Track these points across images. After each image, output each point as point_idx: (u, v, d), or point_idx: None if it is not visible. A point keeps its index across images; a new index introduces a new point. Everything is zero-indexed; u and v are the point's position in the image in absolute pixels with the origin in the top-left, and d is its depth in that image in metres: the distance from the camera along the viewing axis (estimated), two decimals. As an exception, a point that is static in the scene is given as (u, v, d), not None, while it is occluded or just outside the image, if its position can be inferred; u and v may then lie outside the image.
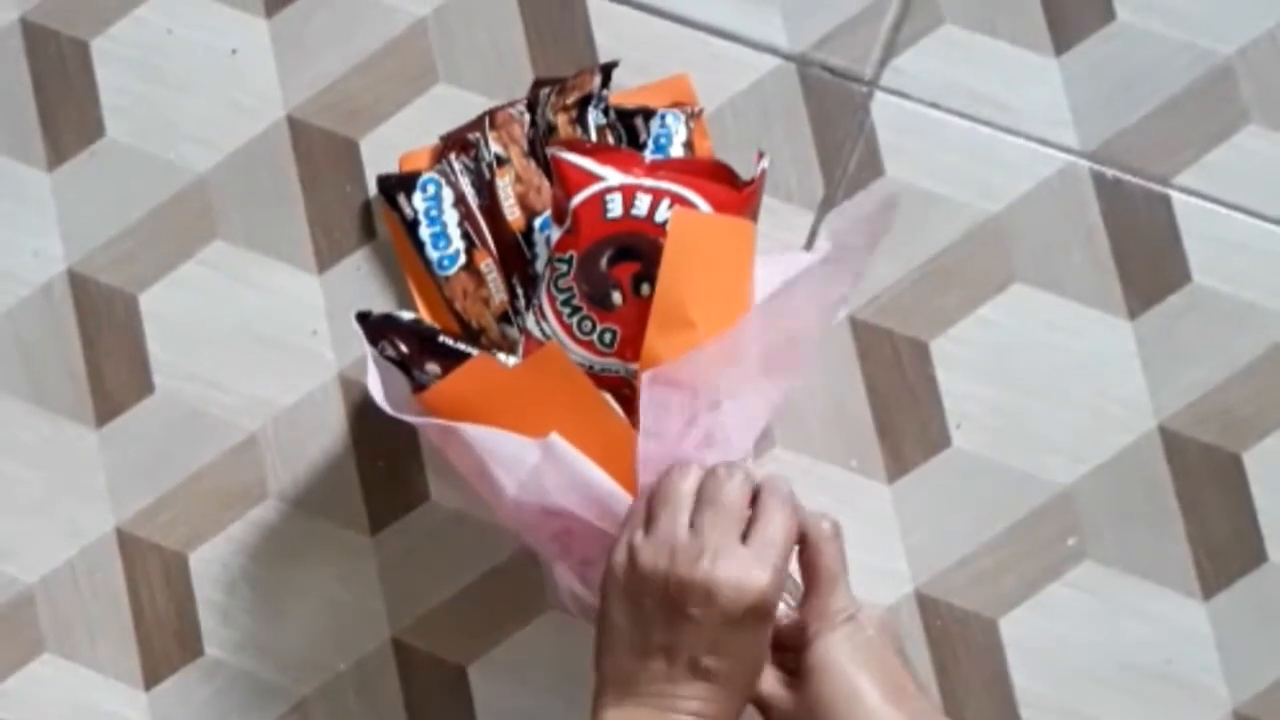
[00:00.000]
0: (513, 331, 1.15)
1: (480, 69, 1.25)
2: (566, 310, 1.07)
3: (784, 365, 1.06)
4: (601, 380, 1.06)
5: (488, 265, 1.17)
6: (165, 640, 1.23)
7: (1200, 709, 1.17)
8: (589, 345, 1.07)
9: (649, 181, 1.08)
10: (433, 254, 1.18)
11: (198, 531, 1.24)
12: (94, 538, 1.24)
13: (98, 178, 1.27)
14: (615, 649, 0.97)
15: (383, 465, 1.23)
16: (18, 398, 1.25)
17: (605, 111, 1.19)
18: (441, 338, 1.08)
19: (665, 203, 1.06)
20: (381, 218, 1.23)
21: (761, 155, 1.11)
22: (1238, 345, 1.19)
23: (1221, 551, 1.18)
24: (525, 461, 1.02)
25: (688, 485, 0.99)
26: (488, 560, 1.21)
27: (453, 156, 1.19)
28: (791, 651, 1.00)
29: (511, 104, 1.21)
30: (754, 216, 1.10)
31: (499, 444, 1.02)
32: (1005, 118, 1.22)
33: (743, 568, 0.94)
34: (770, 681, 1.00)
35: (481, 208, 1.18)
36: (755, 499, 1.00)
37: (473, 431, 1.02)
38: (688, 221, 1.05)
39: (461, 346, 1.08)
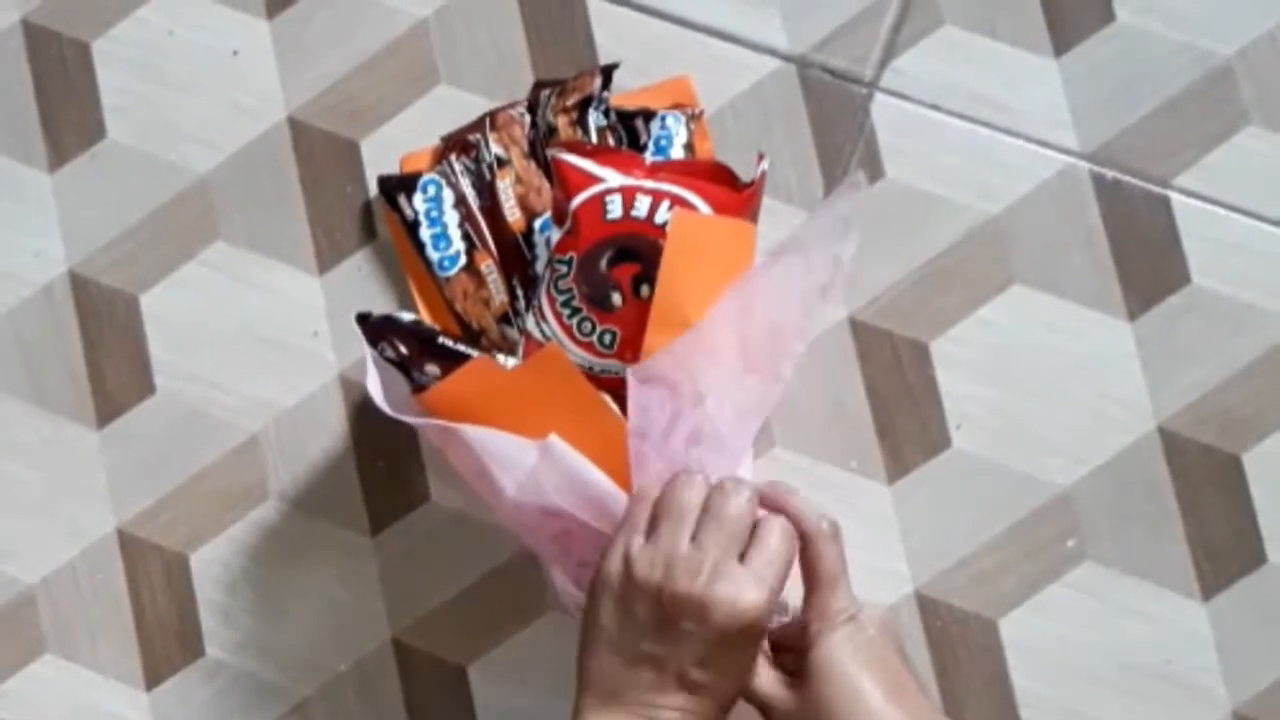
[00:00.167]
0: (513, 332, 1.15)
1: (481, 70, 1.25)
2: (566, 311, 1.07)
3: (770, 359, 1.06)
4: (601, 381, 1.06)
5: (488, 266, 1.17)
6: (166, 641, 1.23)
7: (1200, 709, 1.17)
8: (589, 346, 1.07)
9: (649, 183, 1.08)
10: (433, 255, 1.18)
11: (198, 532, 1.24)
12: (95, 538, 1.24)
13: (99, 179, 1.27)
14: (601, 651, 0.97)
15: (383, 466, 1.23)
16: (19, 398, 1.25)
17: (606, 113, 1.19)
18: (441, 339, 1.08)
19: (665, 204, 1.07)
20: (382, 219, 1.23)
21: (761, 157, 1.11)
22: (1237, 346, 1.19)
23: (1221, 552, 1.18)
24: (524, 462, 1.03)
25: (692, 497, 0.99)
26: (488, 561, 1.21)
27: (453, 157, 1.19)
28: (792, 653, 1.00)
29: (512, 105, 1.21)
30: (754, 218, 1.10)
31: (498, 445, 1.03)
32: (1005, 119, 1.22)
33: (740, 588, 0.94)
34: (771, 682, 1.00)
35: (482, 209, 1.18)
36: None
37: (472, 432, 1.02)
38: (687, 223, 1.06)
39: (461, 348, 1.08)
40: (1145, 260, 1.20)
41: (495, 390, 1.04)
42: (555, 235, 1.09)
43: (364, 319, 1.10)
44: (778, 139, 1.23)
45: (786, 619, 1.05)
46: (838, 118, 1.23)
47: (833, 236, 1.10)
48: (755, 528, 0.99)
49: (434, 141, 1.22)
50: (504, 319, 1.16)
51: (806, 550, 1.01)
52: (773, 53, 1.24)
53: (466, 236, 1.18)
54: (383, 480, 1.23)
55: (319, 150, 1.25)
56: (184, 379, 1.25)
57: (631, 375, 1.01)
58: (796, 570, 1.01)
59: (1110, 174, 1.21)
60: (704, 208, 1.07)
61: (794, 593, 1.03)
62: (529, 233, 1.16)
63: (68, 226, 1.26)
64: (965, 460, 1.20)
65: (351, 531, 1.22)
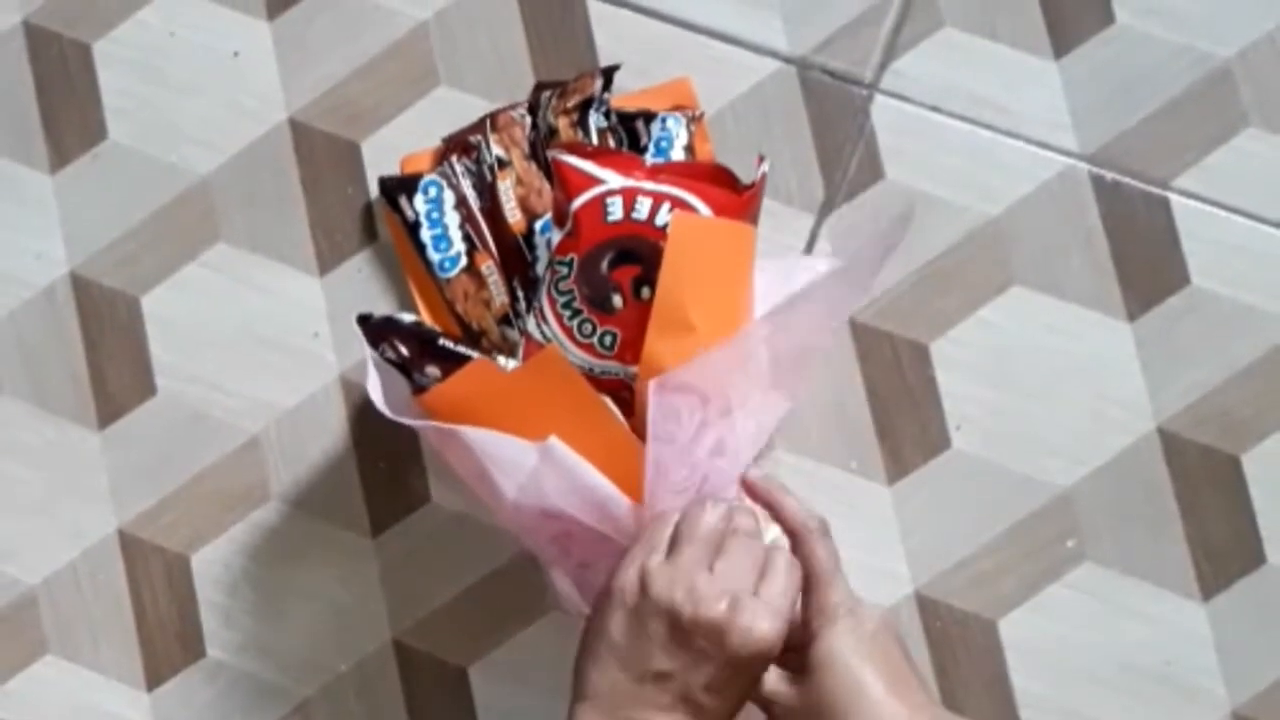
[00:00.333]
0: (513, 334, 1.15)
1: (482, 72, 1.25)
2: (567, 313, 1.07)
3: (794, 377, 1.07)
4: (601, 383, 1.06)
5: (489, 267, 1.17)
6: (167, 642, 1.24)
7: (1199, 710, 1.17)
8: (589, 348, 1.07)
9: (650, 185, 1.08)
10: (434, 256, 1.18)
11: (199, 533, 1.24)
12: (96, 539, 1.24)
13: (100, 180, 1.27)
14: (608, 665, 0.97)
15: (384, 467, 1.23)
16: (20, 399, 1.26)
17: (606, 114, 1.19)
18: (442, 340, 1.08)
19: (666, 206, 1.07)
20: (383, 220, 1.23)
21: (762, 159, 1.11)
22: (1237, 347, 1.19)
23: (1220, 553, 1.18)
24: (524, 464, 1.03)
25: (717, 524, 0.99)
26: (489, 562, 1.22)
27: (454, 159, 1.20)
28: (794, 650, 1.01)
29: (513, 107, 1.21)
30: (754, 220, 1.10)
31: (498, 447, 1.03)
32: (1005, 121, 1.22)
33: (756, 616, 0.94)
34: (774, 679, 1.00)
35: (483, 210, 1.18)
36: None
37: (472, 434, 1.02)
38: (688, 225, 1.06)
39: (462, 349, 1.08)
40: (1145, 262, 1.20)
41: (495, 392, 1.04)
42: (556, 237, 1.09)
43: (365, 320, 1.10)
44: (778, 141, 1.23)
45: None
46: (838, 119, 1.23)
47: (876, 266, 1.11)
48: (765, 559, 0.99)
49: (434, 143, 1.22)
50: (504, 320, 1.16)
51: (799, 549, 1.02)
52: (773, 54, 1.24)
53: (467, 238, 1.18)
54: (384, 481, 1.23)
55: (320, 152, 1.26)
56: (185, 380, 1.25)
57: (652, 385, 1.00)
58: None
59: (1110, 175, 1.21)
60: (705, 210, 1.07)
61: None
62: (529, 234, 1.16)
63: (69, 228, 1.27)
64: (965, 461, 1.20)
65: (352, 533, 1.23)
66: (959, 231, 1.21)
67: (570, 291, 1.07)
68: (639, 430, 1.04)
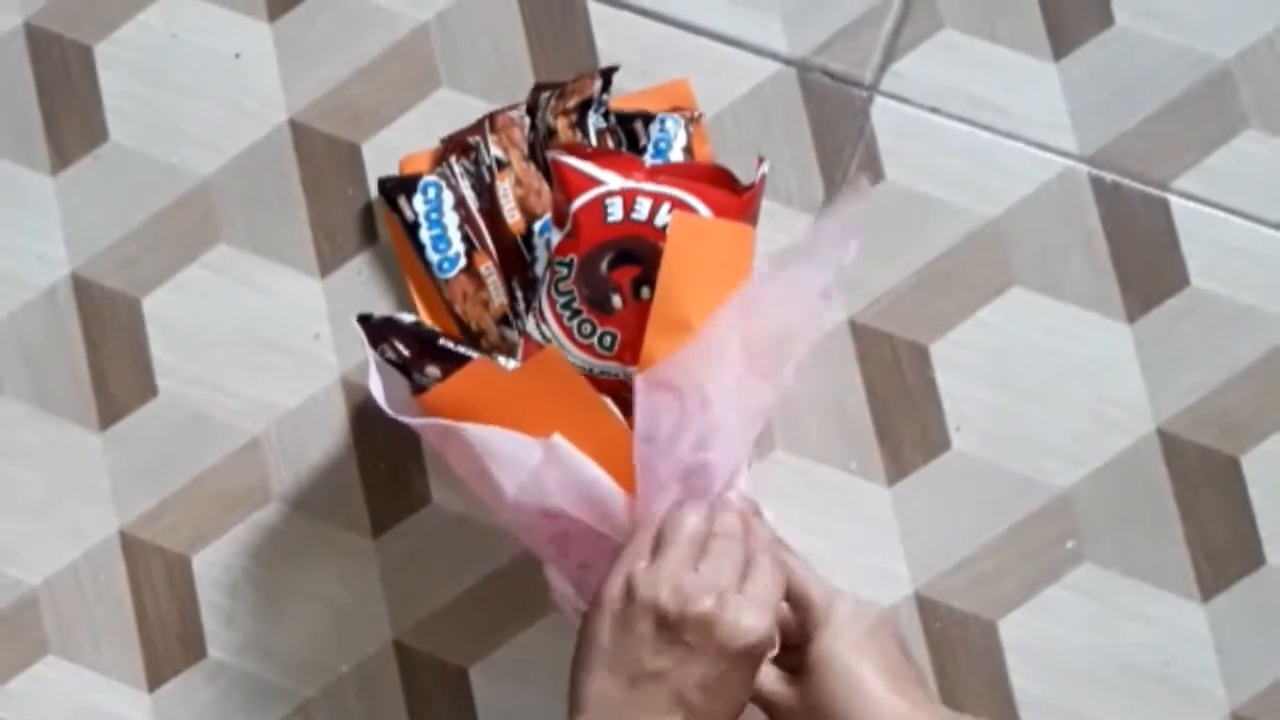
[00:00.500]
0: (512, 334, 1.15)
1: (482, 73, 1.26)
2: (567, 313, 1.07)
3: (774, 362, 1.06)
4: (601, 383, 1.06)
5: (488, 268, 1.17)
6: (168, 642, 1.24)
7: (1199, 711, 1.17)
8: (589, 348, 1.07)
9: (649, 186, 1.08)
10: (433, 256, 1.18)
11: (200, 534, 1.24)
12: (97, 540, 1.24)
13: (101, 182, 1.27)
14: (599, 673, 0.96)
15: (384, 468, 1.23)
16: (21, 400, 1.26)
17: (605, 116, 1.19)
18: (442, 340, 1.08)
19: (665, 207, 1.07)
20: (383, 221, 1.23)
21: (761, 160, 1.11)
22: (1236, 349, 1.19)
23: (1220, 554, 1.18)
24: (526, 462, 1.03)
25: (699, 524, 0.99)
26: (489, 563, 1.22)
27: (453, 159, 1.20)
28: (792, 650, 1.01)
29: (512, 107, 1.21)
30: (753, 221, 1.10)
31: (501, 444, 1.03)
32: (1005, 122, 1.22)
33: (742, 610, 0.94)
34: (774, 680, 1.00)
35: (482, 211, 1.18)
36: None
37: (474, 431, 1.02)
38: (687, 226, 1.06)
39: (462, 349, 1.08)
40: (1144, 263, 1.20)
41: (495, 392, 1.04)
42: (555, 237, 1.09)
43: (365, 320, 1.10)
44: (778, 142, 1.23)
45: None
46: (838, 121, 1.24)
47: (836, 240, 1.10)
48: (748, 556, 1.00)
49: (435, 145, 1.22)
50: (503, 321, 1.16)
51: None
52: (773, 56, 1.24)
53: (466, 238, 1.18)
54: (384, 482, 1.23)
55: (320, 153, 1.26)
56: (186, 381, 1.25)
57: (640, 381, 1.01)
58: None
59: (1109, 177, 1.21)
60: (704, 210, 1.07)
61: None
62: (528, 235, 1.17)
63: (70, 229, 1.27)
64: (965, 462, 1.20)
65: (353, 533, 1.23)
66: (959, 233, 1.21)
67: (570, 292, 1.07)
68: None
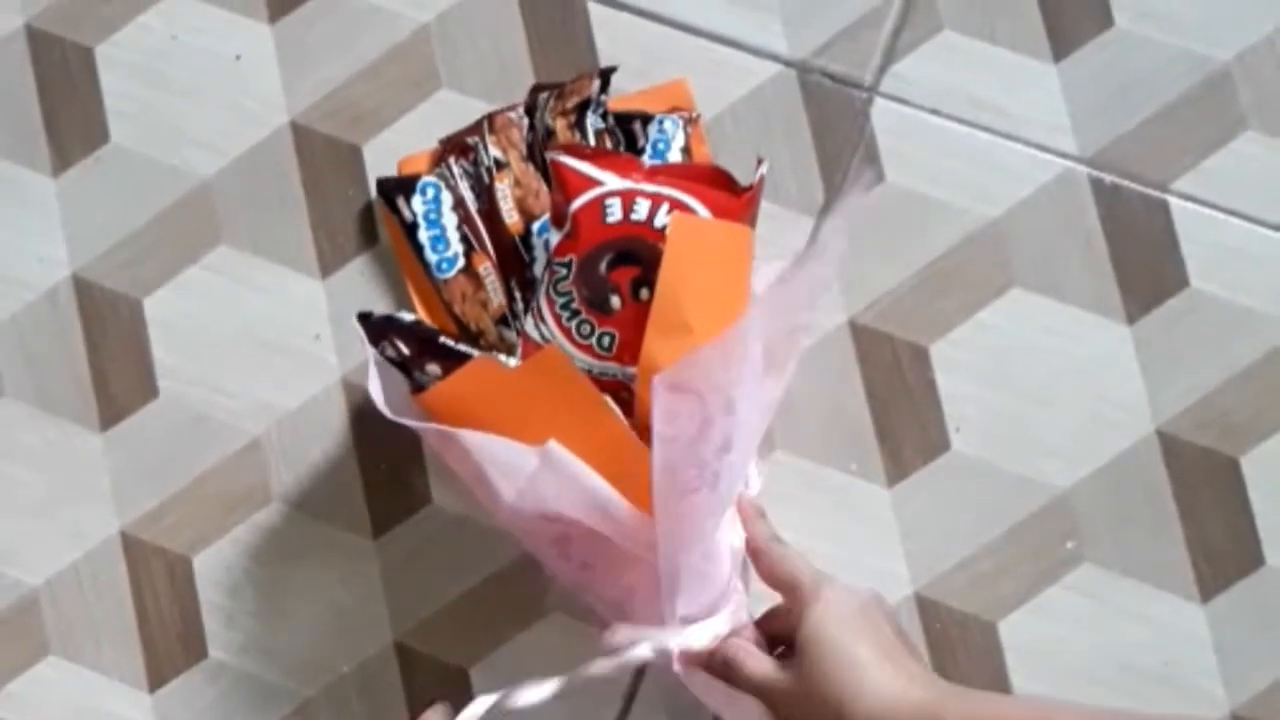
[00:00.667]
0: (511, 334, 1.15)
1: (483, 75, 1.26)
2: (565, 314, 1.08)
3: (783, 358, 1.07)
4: (600, 384, 1.06)
5: (486, 268, 1.17)
6: (169, 643, 1.24)
7: (1198, 711, 1.17)
8: (588, 349, 1.07)
9: (648, 186, 1.08)
10: (431, 257, 1.19)
11: (201, 535, 1.24)
12: (98, 541, 1.24)
13: (102, 183, 1.27)
14: None
15: (385, 469, 1.23)
16: (22, 401, 1.26)
17: (604, 116, 1.19)
18: (442, 339, 1.09)
19: (664, 208, 1.07)
20: (383, 222, 1.23)
21: (760, 161, 1.11)
22: (1235, 350, 1.19)
23: (1219, 555, 1.18)
24: (523, 468, 1.02)
25: None
26: (490, 563, 1.22)
27: (452, 160, 1.20)
28: (782, 639, 1.02)
29: (510, 108, 1.22)
30: (752, 222, 1.10)
31: (497, 451, 1.03)
32: (1004, 123, 1.22)
33: None
34: (767, 667, 1.01)
35: (480, 211, 1.19)
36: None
37: (470, 438, 1.02)
38: (686, 227, 1.06)
39: (462, 348, 1.08)
40: (1144, 264, 1.20)
41: (496, 390, 1.04)
42: (554, 238, 1.09)
43: (365, 318, 1.10)
44: (778, 143, 1.23)
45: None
46: (838, 122, 1.24)
47: (841, 232, 1.11)
48: None
49: (435, 146, 1.23)
50: (502, 321, 1.17)
51: (759, 563, 1.07)
52: (773, 57, 1.25)
53: (465, 239, 1.18)
54: (385, 483, 1.23)
55: (321, 154, 1.26)
56: (187, 382, 1.25)
57: (658, 383, 1.00)
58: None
59: (1109, 178, 1.21)
60: (703, 211, 1.07)
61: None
62: (527, 235, 1.17)
63: (71, 230, 1.27)
64: (964, 463, 1.20)
65: (354, 534, 1.23)
66: (958, 234, 1.21)
67: (569, 293, 1.08)
68: (639, 431, 1.04)
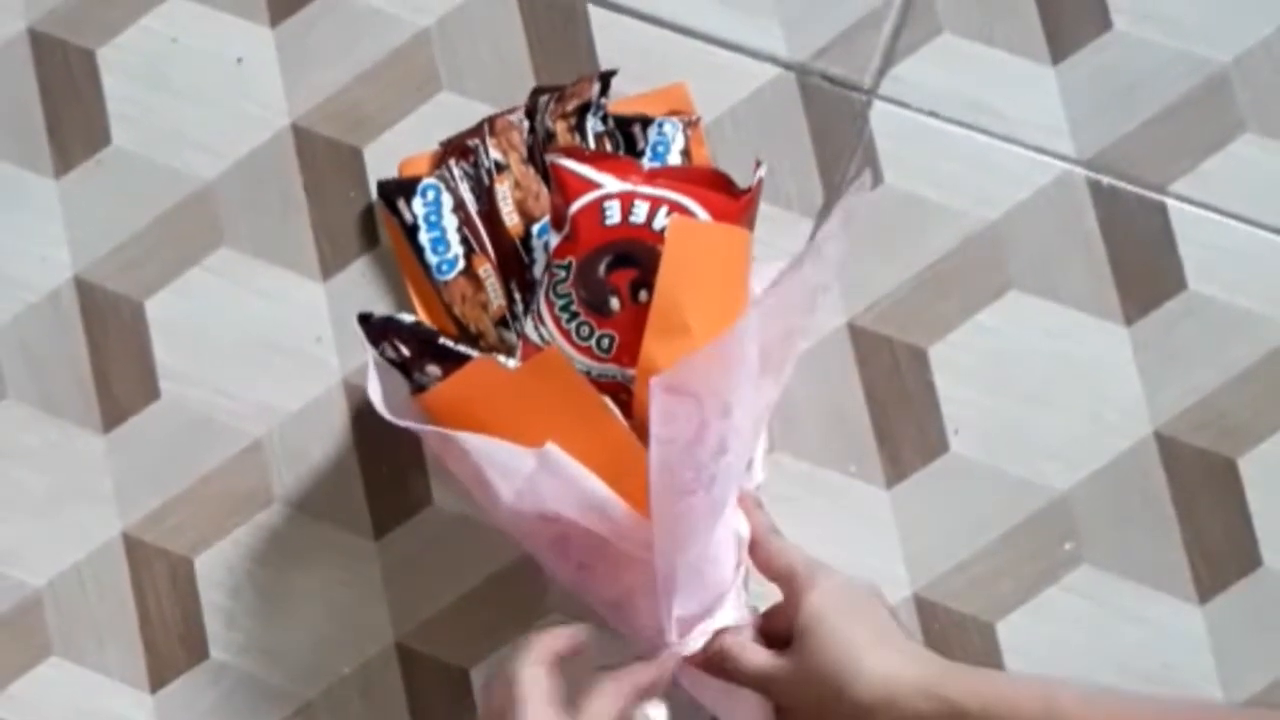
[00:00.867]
0: (511, 336, 1.16)
1: (483, 77, 1.26)
2: (565, 316, 1.08)
3: (781, 360, 1.07)
4: (599, 386, 1.06)
5: (486, 270, 1.18)
6: (171, 644, 1.24)
7: (1196, 712, 1.17)
8: (587, 350, 1.07)
9: (647, 189, 1.08)
10: (432, 259, 1.19)
11: (203, 536, 1.24)
12: (100, 542, 1.25)
13: (104, 185, 1.27)
14: None
15: (386, 470, 1.23)
16: (25, 403, 1.26)
17: (603, 119, 1.20)
18: (442, 340, 1.09)
19: (663, 210, 1.07)
20: (384, 224, 1.24)
21: (759, 163, 1.11)
22: (1233, 351, 1.20)
23: (1217, 556, 1.18)
24: (521, 470, 1.02)
25: None
26: (491, 564, 1.22)
27: (452, 162, 1.20)
28: (779, 635, 1.02)
29: (511, 111, 1.22)
30: (751, 224, 1.10)
31: (495, 452, 1.03)
32: (1003, 126, 1.23)
33: None
34: (764, 658, 1.01)
35: (480, 213, 1.19)
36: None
37: (469, 440, 1.02)
38: (685, 229, 1.06)
39: (462, 349, 1.09)
40: (1142, 266, 1.21)
41: (496, 391, 1.05)
42: (554, 240, 1.10)
43: (365, 319, 1.10)
44: (777, 146, 1.23)
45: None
46: (837, 125, 1.24)
47: (839, 236, 1.11)
48: None
49: (435, 148, 1.23)
50: (502, 322, 1.17)
51: (756, 554, 1.07)
52: (772, 60, 1.25)
53: (465, 241, 1.19)
54: (386, 484, 1.23)
55: (322, 157, 1.26)
56: (189, 384, 1.25)
57: (655, 385, 1.00)
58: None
59: (1107, 180, 1.21)
60: (702, 214, 1.07)
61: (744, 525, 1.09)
62: (527, 237, 1.17)
63: (73, 233, 1.27)
64: (963, 464, 1.20)
65: (355, 535, 1.23)
66: (957, 236, 1.22)
67: (568, 294, 1.08)
68: (638, 432, 1.04)
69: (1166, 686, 1.17)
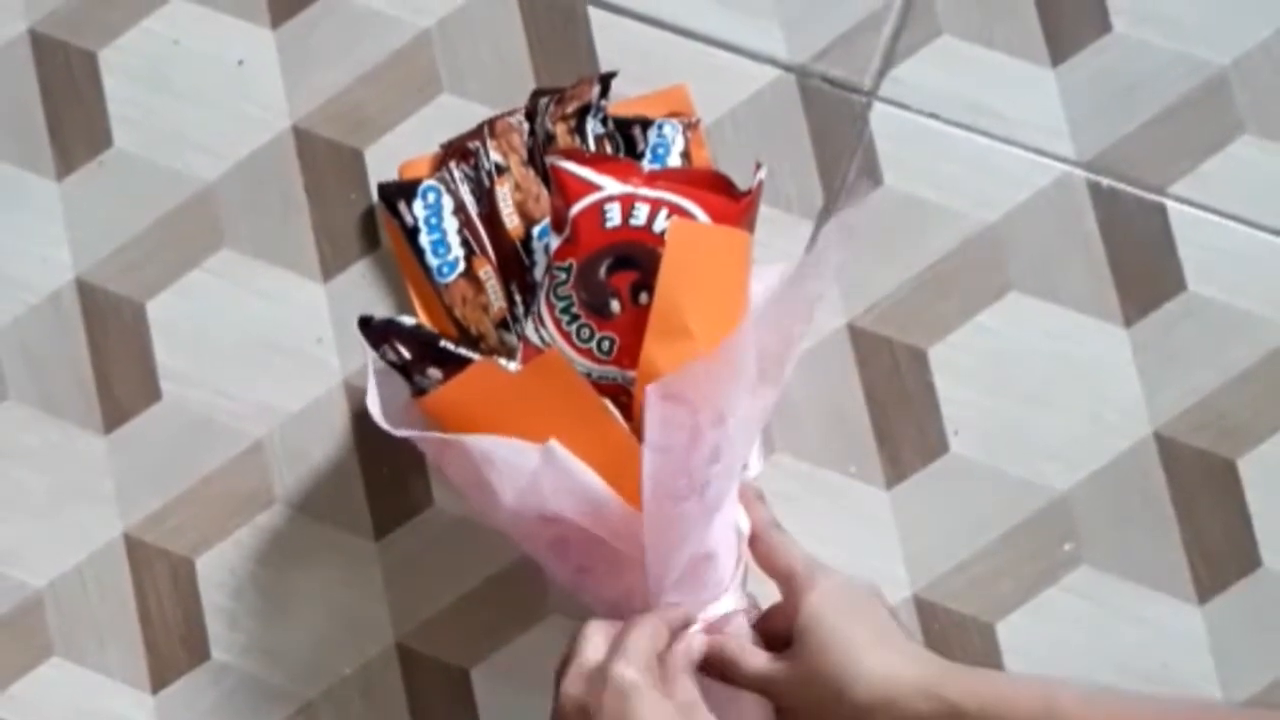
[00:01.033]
0: (511, 338, 1.16)
1: (484, 80, 1.26)
2: (565, 318, 1.08)
3: (778, 366, 1.07)
4: (599, 388, 1.06)
5: (486, 272, 1.18)
6: (172, 644, 1.24)
7: (1196, 712, 1.17)
8: (587, 353, 1.07)
9: (647, 191, 1.08)
10: (432, 261, 1.19)
11: (204, 537, 1.24)
12: (102, 543, 1.25)
13: (105, 187, 1.27)
14: None
15: (387, 471, 1.23)
16: (26, 404, 1.26)
17: (604, 121, 1.20)
18: (443, 343, 1.09)
19: (663, 212, 1.07)
20: (384, 225, 1.24)
21: (759, 165, 1.11)
22: (1232, 352, 1.20)
23: (1216, 556, 1.18)
24: (524, 467, 1.03)
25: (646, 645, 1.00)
26: (491, 565, 1.22)
27: (453, 164, 1.20)
28: (783, 642, 1.02)
29: (511, 113, 1.22)
30: (751, 227, 1.10)
31: (497, 451, 1.03)
32: (1002, 128, 1.23)
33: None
34: (765, 661, 1.01)
35: (481, 215, 1.19)
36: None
37: (472, 440, 1.03)
38: (685, 231, 1.06)
39: (463, 351, 1.09)
40: (1141, 267, 1.21)
41: (497, 394, 1.05)
42: (554, 242, 1.10)
43: (366, 322, 1.10)
44: (777, 148, 1.23)
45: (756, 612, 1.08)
46: (837, 126, 1.24)
47: (838, 245, 1.11)
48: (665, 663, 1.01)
49: (436, 150, 1.23)
50: (502, 325, 1.17)
51: (756, 548, 1.07)
52: (772, 62, 1.25)
53: (465, 243, 1.19)
54: (387, 485, 1.24)
55: (323, 159, 1.26)
56: (190, 385, 1.25)
57: (651, 393, 1.01)
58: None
59: (1106, 182, 1.22)
60: (702, 216, 1.07)
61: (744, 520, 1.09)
62: (527, 239, 1.17)
63: (75, 234, 1.27)
64: (963, 465, 1.20)
65: (355, 536, 1.23)
66: (957, 238, 1.22)
67: (569, 297, 1.08)
68: (638, 434, 1.04)
69: (1166, 686, 1.17)
